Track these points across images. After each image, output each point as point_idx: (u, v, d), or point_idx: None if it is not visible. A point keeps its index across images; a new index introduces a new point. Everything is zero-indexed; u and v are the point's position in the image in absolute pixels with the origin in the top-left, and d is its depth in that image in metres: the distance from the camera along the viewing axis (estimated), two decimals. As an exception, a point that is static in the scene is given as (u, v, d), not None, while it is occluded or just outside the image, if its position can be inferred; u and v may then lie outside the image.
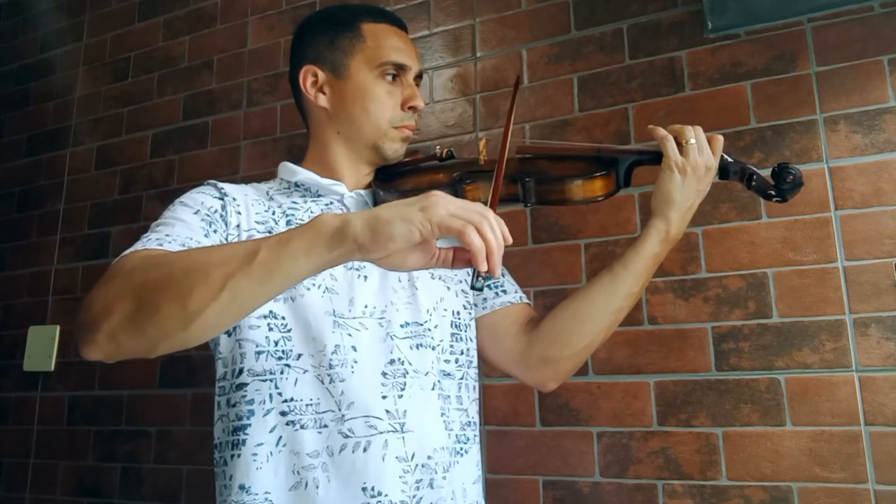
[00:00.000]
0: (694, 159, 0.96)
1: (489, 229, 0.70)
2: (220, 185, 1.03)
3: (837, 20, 1.39)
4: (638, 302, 1.21)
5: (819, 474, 1.25)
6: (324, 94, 1.10)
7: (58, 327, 2.08)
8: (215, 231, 0.95)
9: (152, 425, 1.88)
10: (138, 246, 0.87)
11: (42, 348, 2.08)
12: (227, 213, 0.98)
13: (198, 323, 0.72)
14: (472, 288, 0.74)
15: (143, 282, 0.75)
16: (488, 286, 1.15)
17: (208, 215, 0.96)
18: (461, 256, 0.74)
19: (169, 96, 2.13)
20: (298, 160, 1.14)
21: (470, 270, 0.72)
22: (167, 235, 0.89)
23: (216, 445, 0.98)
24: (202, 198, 0.99)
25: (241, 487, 0.91)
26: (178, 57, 2.15)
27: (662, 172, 0.98)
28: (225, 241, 0.96)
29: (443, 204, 0.70)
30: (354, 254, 0.71)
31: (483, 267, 0.70)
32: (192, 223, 0.93)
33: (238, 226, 0.99)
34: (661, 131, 0.98)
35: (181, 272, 0.74)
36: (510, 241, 0.73)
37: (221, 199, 1.00)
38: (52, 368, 2.06)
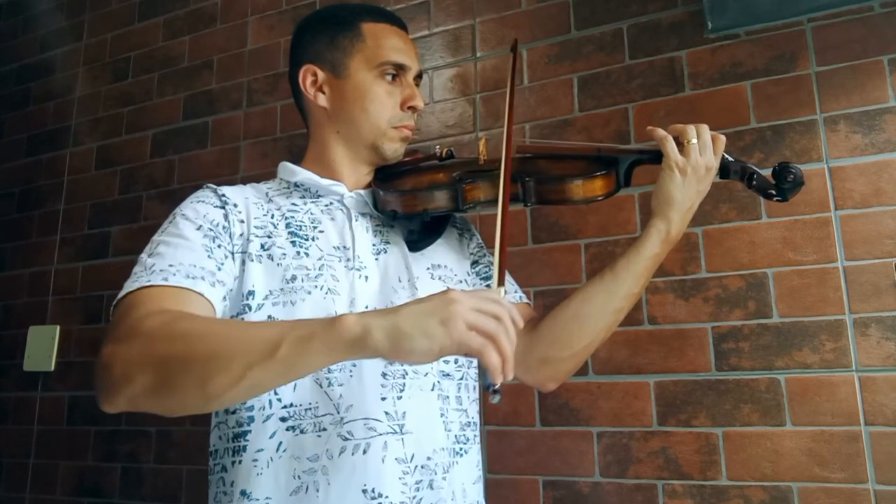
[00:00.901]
0: (695, 159, 0.95)
1: (505, 339, 0.71)
2: (220, 190, 1.02)
3: (837, 20, 1.39)
4: (638, 302, 1.21)
5: (819, 474, 1.25)
6: (323, 93, 1.09)
7: (58, 327, 2.08)
8: (219, 246, 0.95)
9: (152, 425, 1.88)
10: (143, 279, 0.87)
11: (42, 348, 2.08)
12: (230, 223, 0.98)
13: (215, 403, 0.78)
14: (492, 402, 0.76)
15: (164, 358, 0.77)
16: (487, 286, 1.14)
17: (211, 229, 0.95)
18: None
19: (169, 96, 2.13)
20: (298, 160, 1.14)
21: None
22: (171, 266, 0.88)
23: (212, 452, 0.98)
24: (204, 209, 0.98)
25: (243, 493, 0.91)
26: (178, 57, 2.15)
27: (663, 172, 0.97)
28: (230, 255, 0.95)
29: (462, 314, 0.71)
30: (372, 357, 0.74)
31: (499, 380, 0.71)
32: (195, 243, 0.93)
33: (241, 234, 0.98)
34: (661, 132, 0.97)
35: (203, 356, 0.76)
36: (521, 326, 0.75)
37: (223, 207, 0.99)
38: (52, 368, 2.06)
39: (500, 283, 0.84)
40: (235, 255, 0.96)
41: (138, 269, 0.90)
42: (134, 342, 0.80)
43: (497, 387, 0.72)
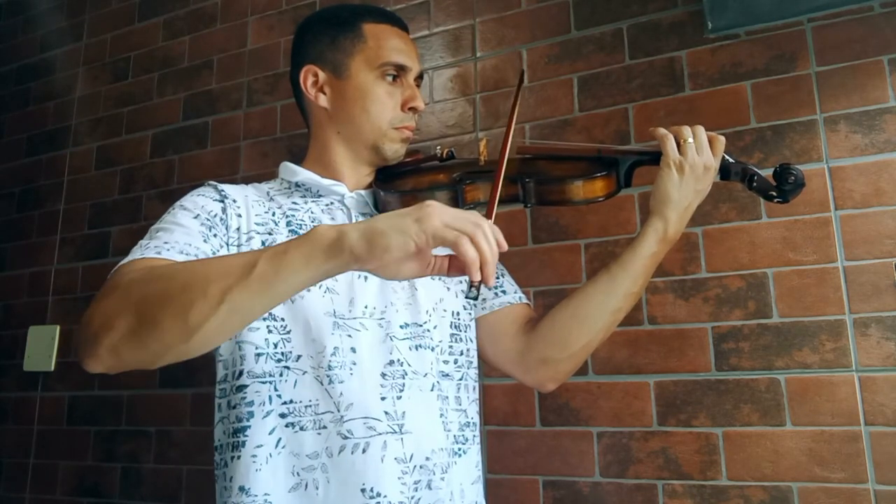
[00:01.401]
0: (692, 158, 0.96)
1: (483, 239, 0.71)
2: (220, 186, 1.03)
3: (837, 20, 1.39)
4: (638, 302, 1.21)
5: (819, 474, 1.25)
6: (324, 94, 1.10)
7: (58, 327, 2.08)
8: (215, 235, 0.95)
9: (152, 425, 1.88)
10: (136, 254, 0.87)
11: (42, 348, 2.08)
12: (227, 215, 0.98)
13: (198, 336, 0.74)
14: (467, 297, 0.76)
15: (142, 296, 0.76)
16: (487, 287, 1.14)
17: (208, 219, 0.96)
18: (456, 265, 0.75)
19: (169, 96, 2.13)
20: (299, 160, 1.14)
21: (465, 278, 0.73)
22: (165, 243, 0.88)
23: (216, 447, 0.98)
24: (202, 201, 0.99)
25: (241, 489, 0.91)
26: (178, 57, 2.15)
27: (661, 171, 0.98)
28: (225, 245, 0.96)
29: (438, 214, 0.71)
30: (351, 264, 0.72)
31: (477, 277, 0.71)
32: (192, 228, 0.93)
33: (238, 228, 0.98)
34: (661, 130, 0.98)
35: (179, 287, 0.74)
36: (505, 248, 0.74)
37: (222, 201, 1.00)
38: (52, 368, 2.06)
39: (489, 216, 0.84)
40: (231, 248, 0.96)
41: (133, 249, 0.90)
42: (113, 293, 0.79)
43: (475, 283, 0.72)
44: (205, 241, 0.92)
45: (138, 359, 0.77)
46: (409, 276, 0.75)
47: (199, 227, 0.94)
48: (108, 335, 0.75)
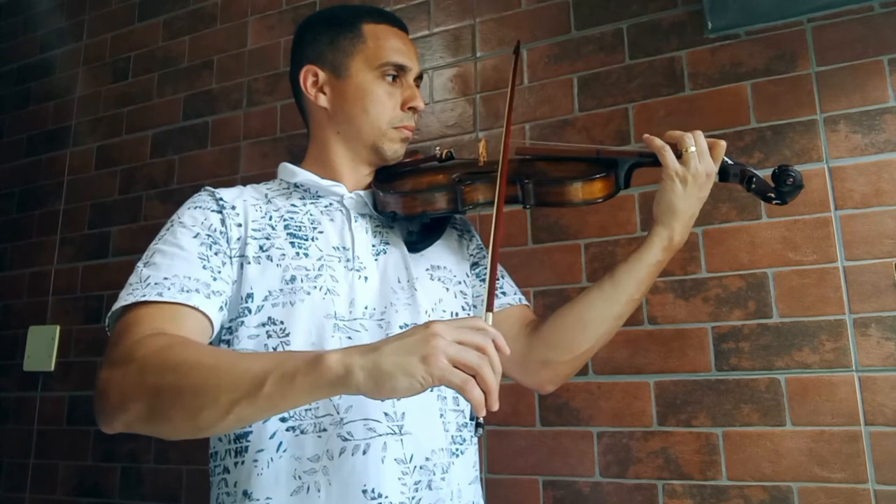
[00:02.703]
0: (694, 167, 0.95)
1: (489, 372, 0.71)
2: (218, 193, 1.02)
3: (837, 20, 1.39)
4: (638, 306, 1.20)
5: (819, 474, 1.25)
6: (324, 94, 1.10)
7: (58, 327, 2.08)
8: (216, 253, 0.95)
9: (152, 425, 1.88)
10: (138, 294, 0.88)
11: (42, 348, 2.08)
12: (227, 227, 0.98)
13: (206, 433, 0.81)
14: (476, 436, 0.78)
15: (155, 389, 0.79)
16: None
17: (209, 235, 0.96)
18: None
19: (169, 96, 2.13)
20: (298, 160, 1.14)
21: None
22: (165, 279, 0.89)
23: (213, 454, 0.98)
24: (201, 215, 0.99)
25: (245, 494, 0.91)
26: (178, 57, 2.15)
27: (663, 182, 0.97)
28: (229, 259, 0.96)
29: (443, 350, 0.71)
30: (354, 394, 0.75)
31: (482, 414, 0.71)
32: (191, 253, 0.93)
33: (239, 238, 0.99)
34: (658, 142, 0.97)
35: (191, 389, 0.78)
36: (507, 352, 0.75)
37: (220, 211, 0.99)
38: (52, 368, 2.06)
39: (489, 308, 0.84)
40: (234, 260, 0.97)
41: (133, 279, 0.91)
42: (128, 369, 0.82)
43: (481, 420, 0.73)
44: (203, 266, 0.93)
45: (150, 434, 0.87)
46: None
47: (199, 249, 0.94)
48: (124, 415, 0.81)
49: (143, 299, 0.88)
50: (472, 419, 0.74)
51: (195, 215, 0.99)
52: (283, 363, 0.76)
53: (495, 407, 0.72)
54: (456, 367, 0.71)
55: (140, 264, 0.93)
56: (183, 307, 0.88)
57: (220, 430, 0.82)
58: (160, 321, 0.87)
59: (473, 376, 0.71)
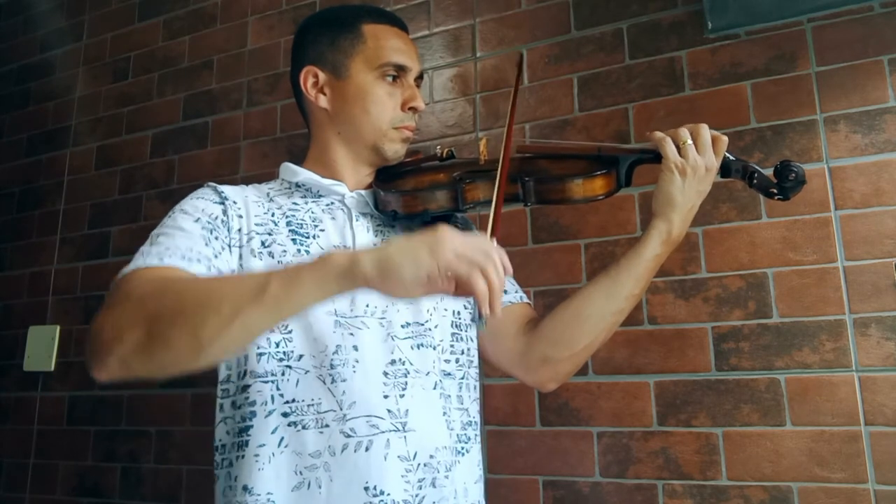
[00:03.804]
0: (693, 160, 0.95)
1: (494, 271, 0.72)
2: (220, 188, 1.03)
3: (837, 20, 1.39)
4: (638, 302, 1.21)
5: (819, 474, 1.25)
6: (324, 94, 1.10)
7: (58, 327, 2.08)
8: (216, 238, 0.95)
9: (152, 425, 1.88)
10: (139, 262, 0.87)
11: (42, 348, 2.08)
12: (228, 217, 0.98)
13: (208, 351, 0.76)
14: (477, 328, 0.79)
15: (155, 311, 0.77)
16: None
17: (209, 222, 0.96)
18: (463, 286, 0.75)
19: (169, 96, 2.13)
20: (299, 160, 1.14)
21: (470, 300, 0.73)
22: (167, 249, 0.89)
23: (217, 447, 0.98)
24: (202, 204, 0.99)
25: (245, 488, 0.91)
26: (178, 57, 2.15)
27: (662, 174, 0.97)
28: (227, 248, 0.96)
29: (449, 245, 0.72)
30: (362, 288, 0.74)
31: (486, 310, 0.73)
32: (193, 232, 0.93)
33: (240, 229, 0.99)
34: (658, 134, 0.97)
35: (193, 304, 0.76)
36: (511, 272, 0.76)
37: (222, 203, 1.00)
38: (52, 368, 2.06)
39: (493, 234, 0.85)
40: (233, 249, 0.97)
41: (136, 256, 0.90)
42: (126, 304, 0.81)
43: (484, 315, 0.73)
44: (206, 244, 0.93)
45: (147, 371, 0.80)
46: (418, 296, 0.76)
47: (201, 231, 0.94)
48: (118, 347, 0.77)
49: (143, 266, 0.87)
50: (478, 317, 0.74)
51: (196, 204, 0.99)
52: (288, 268, 0.77)
53: (498, 310, 0.73)
54: (460, 260, 0.72)
55: (142, 247, 0.92)
56: (183, 272, 0.87)
57: (224, 345, 0.76)
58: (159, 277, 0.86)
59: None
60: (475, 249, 0.73)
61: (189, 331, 0.74)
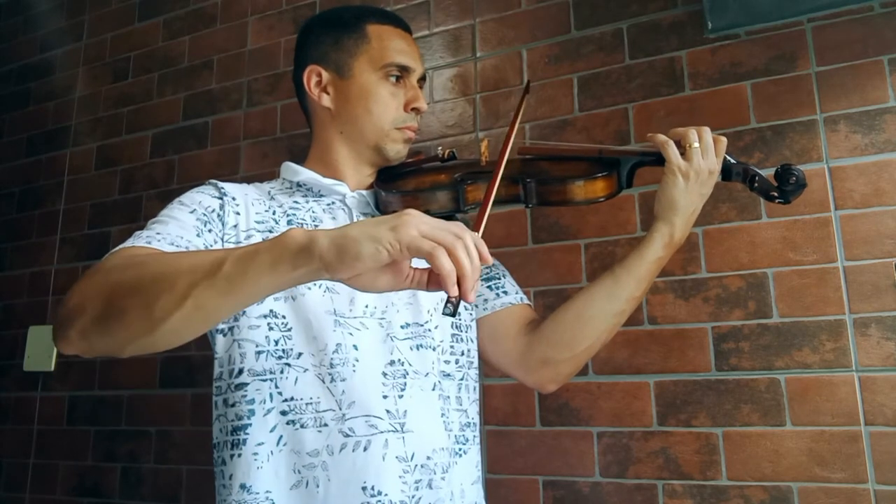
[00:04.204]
0: (697, 163, 0.95)
1: (463, 252, 0.67)
2: (221, 184, 1.03)
3: (837, 20, 1.39)
4: (639, 304, 1.21)
5: (819, 474, 1.25)
6: (327, 94, 1.10)
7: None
8: (209, 231, 0.95)
9: (152, 425, 1.88)
10: (128, 243, 0.87)
11: (42, 348, 2.08)
12: (224, 212, 0.99)
13: (162, 329, 0.72)
14: (443, 313, 0.70)
15: (115, 283, 0.75)
16: (488, 287, 1.14)
17: (205, 214, 0.96)
18: (436, 278, 0.69)
19: (169, 96, 2.13)
20: (299, 160, 1.14)
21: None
22: (158, 234, 0.89)
23: (215, 445, 0.98)
24: (200, 197, 1.00)
25: (242, 487, 0.91)
26: (178, 57, 2.15)
27: (665, 177, 0.97)
28: (220, 241, 0.96)
29: (414, 223, 0.67)
30: (322, 272, 0.68)
31: (453, 292, 0.66)
32: (186, 222, 0.93)
33: (236, 226, 0.99)
34: (661, 137, 0.97)
35: (150, 278, 0.73)
36: (489, 261, 0.70)
37: (220, 198, 1.00)
38: (52, 368, 2.06)
39: (477, 227, 0.81)
40: (226, 244, 0.97)
41: (128, 239, 0.89)
42: (93, 277, 0.79)
43: (452, 299, 0.67)
44: (198, 235, 0.93)
45: (105, 345, 0.77)
46: (385, 289, 0.71)
47: (195, 222, 0.94)
48: (79, 318, 0.75)
49: (129, 246, 0.86)
50: (445, 303, 0.68)
51: (194, 197, 0.99)
52: (247, 246, 0.73)
53: (470, 297, 0.67)
54: (425, 238, 0.67)
55: (136, 231, 0.91)
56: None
57: (178, 325, 0.71)
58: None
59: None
60: (443, 230, 0.68)
61: (142, 305, 0.71)
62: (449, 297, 0.67)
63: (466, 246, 0.68)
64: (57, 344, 0.78)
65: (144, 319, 0.72)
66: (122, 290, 0.74)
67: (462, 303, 1.09)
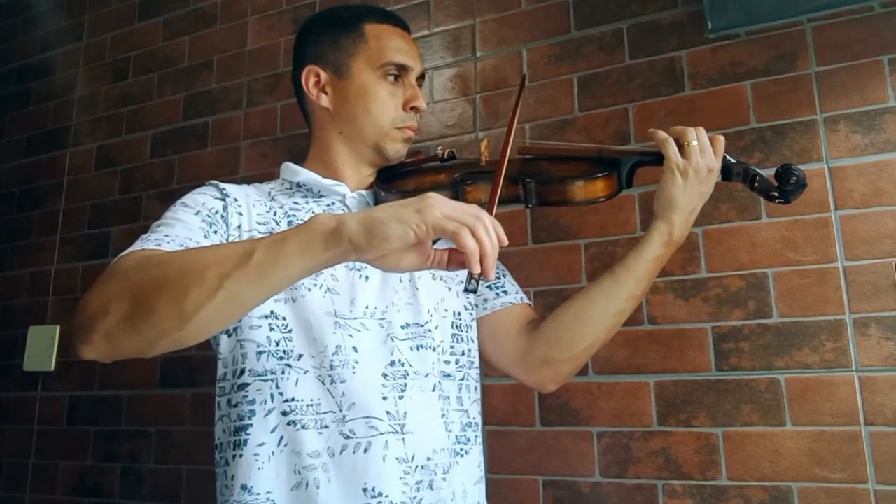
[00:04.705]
0: (696, 161, 0.95)
1: (484, 232, 0.70)
2: (222, 185, 1.03)
3: (837, 20, 1.39)
4: (639, 304, 1.21)
5: (819, 474, 1.25)
6: (326, 94, 1.10)
7: (58, 327, 2.08)
8: (215, 232, 0.95)
9: (152, 425, 1.88)
10: (136, 246, 0.87)
11: (42, 348, 2.08)
12: (228, 213, 0.99)
13: (194, 322, 0.72)
14: (465, 290, 0.74)
15: (139, 282, 0.75)
16: (488, 286, 1.14)
17: (209, 216, 0.96)
18: (456, 258, 0.74)
19: (169, 96, 2.13)
20: (299, 160, 1.14)
21: (464, 273, 0.72)
22: (166, 236, 0.89)
23: (217, 446, 0.98)
24: (203, 198, 0.99)
25: (244, 487, 0.91)
26: (178, 57, 2.15)
27: (664, 175, 0.97)
28: (225, 242, 0.96)
29: (438, 205, 0.70)
30: (350, 254, 0.71)
31: (476, 269, 0.70)
32: (192, 224, 0.93)
33: (239, 226, 0.99)
34: (662, 134, 0.98)
35: (177, 273, 0.74)
36: (506, 242, 0.73)
37: (223, 199, 1.00)
38: (52, 368, 2.06)
39: (489, 211, 0.82)
40: None
41: (134, 242, 0.89)
42: (111, 280, 0.79)
43: (475, 276, 0.72)
44: (205, 236, 0.93)
45: (133, 345, 0.76)
46: (409, 268, 0.75)
47: (200, 224, 0.94)
48: (103, 321, 0.74)
49: (140, 248, 0.86)
50: (468, 280, 0.73)
51: (197, 198, 0.99)
52: (275, 234, 0.75)
53: (491, 274, 0.71)
54: (449, 219, 0.70)
55: (142, 235, 0.91)
56: None
57: (210, 317, 0.73)
58: None
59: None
60: (465, 212, 0.71)
61: (173, 300, 0.72)
62: (471, 274, 0.71)
63: (486, 226, 0.71)
64: (79, 350, 0.77)
65: (175, 314, 0.72)
66: (149, 287, 0.74)
67: (463, 303, 1.09)
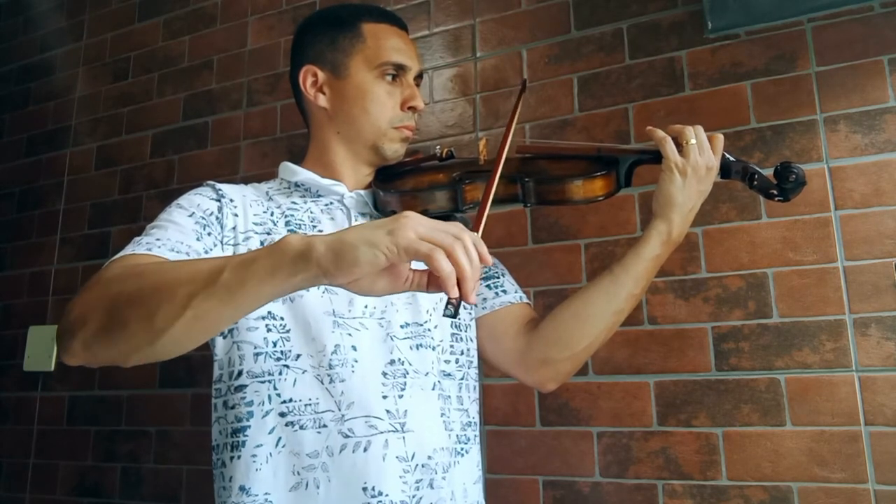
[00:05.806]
0: (694, 160, 0.95)
1: (462, 253, 0.66)
2: (218, 186, 1.03)
3: (837, 20, 1.39)
4: (638, 302, 1.21)
5: (819, 474, 1.25)
6: (324, 94, 1.10)
7: (58, 327, 2.07)
8: (209, 234, 0.95)
9: (152, 425, 1.88)
10: (128, 250, 0.87)
11: (42, 348, 2.08)
12: (223, 214, 0.98)
13: (164, 339, 0.72)
14: (444, 315, 0.69)
15: (116, 294, 0.75)
16: (487, 286, 1.14)
17: (203, 217, 0.96)
18: (435, 280, 0.69)
19: (169, 96, 2.13)
20: (298, 160, 1.14)
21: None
22: (157, 240, 0.89)
23: (214, 447, 0.98)
24: (198, 200, 0.99)
25: (242, 489, 0.91)
26: (178, 57, 2.15)
27: (663, 174, 0.97)
28: (219, 244, 0.96)
29: (412, 226, 0.66)
30: (320, 278, 0.68)
31: (453, 294, 0.66)
32: (185, 226, 0.93)
33: (234, 228, 0.98)
34: (660, 133, 0.97)
35: (150, 288, 0.73)
36: (489, 262, 0.70)
37: (218, 200, 1.00)
38: (52, 368, 2.06)
39: (476, 227, 0.80)
40: (226, 247, 0.97)
41: (127, 245, 0.89)
42: (94, 289, 0.79)
43: (452, 300, 0.67)
44: (197, 239, 0.92)
45: (108, 356, 0.77)
46: (384, 293, 0.71)
47: (193, 226, 0.94)
48: (82, 330, 0.75)
49: (130, 254, 0.86)
50: (446, 304, 0.68)
51: (192, 200, 0.99)
52: (245, 253, 0.73)
53: (472, 298, 0.66)
54: (424, 240, 0.66)
55: (135, 237, 0.91)
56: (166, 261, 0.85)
57: (179, 335, 0.71)
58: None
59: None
60: (441, 231, 0.67)
61: (144, 316, 0.71)
62: (449, 298, 0.67)
63: (465, 247, 0.67)
64: (62, 356, 0.78)
65: (146, 330, 0.72)
66: (123, 301, 0.74)
67: (462, 303, 1.09)
